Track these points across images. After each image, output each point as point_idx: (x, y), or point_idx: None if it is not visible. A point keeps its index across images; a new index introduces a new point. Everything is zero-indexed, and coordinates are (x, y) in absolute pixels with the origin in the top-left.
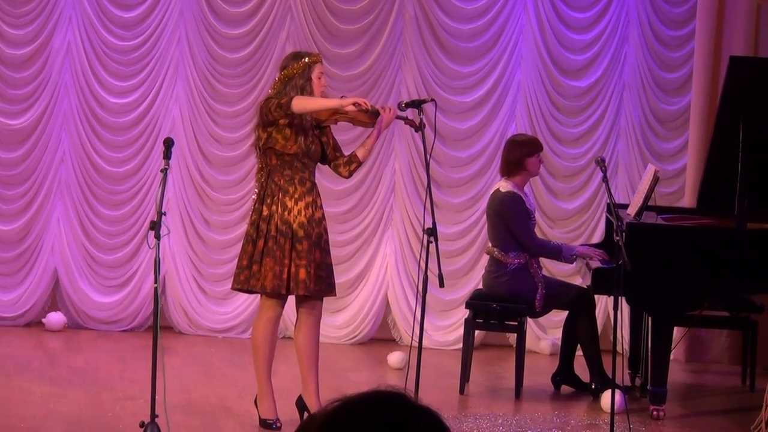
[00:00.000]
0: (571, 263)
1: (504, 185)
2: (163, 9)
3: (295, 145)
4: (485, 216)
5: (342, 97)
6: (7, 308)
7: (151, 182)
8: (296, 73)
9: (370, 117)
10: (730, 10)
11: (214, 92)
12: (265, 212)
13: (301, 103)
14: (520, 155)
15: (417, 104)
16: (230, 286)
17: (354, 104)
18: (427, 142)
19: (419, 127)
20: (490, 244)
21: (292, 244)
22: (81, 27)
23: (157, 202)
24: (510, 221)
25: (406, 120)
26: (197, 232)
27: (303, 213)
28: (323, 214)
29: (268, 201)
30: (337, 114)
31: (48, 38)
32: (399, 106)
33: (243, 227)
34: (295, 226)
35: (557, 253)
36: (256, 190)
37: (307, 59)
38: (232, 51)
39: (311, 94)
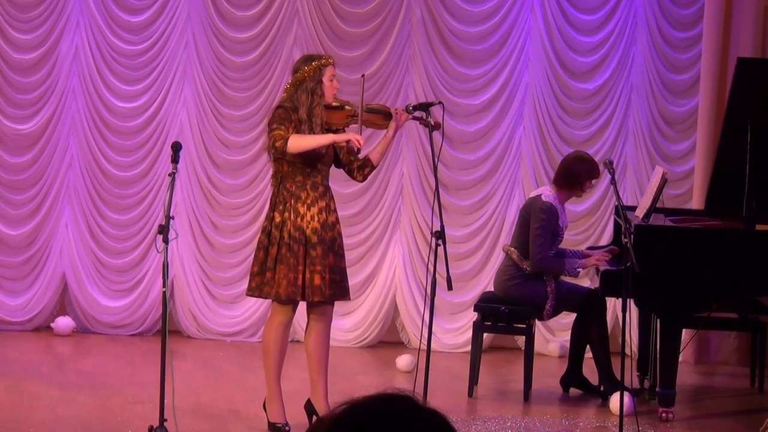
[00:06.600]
0: (575, 277)
1: (547, 194)
2: (171, 13)
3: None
4: (497, 217)
5: (336, 131)
6: (16, 313)
7: (159, 186)
8: (307, 77)
9: (381, 119)
10: (738, 11)
11: (221, 96)
12: (278, 219)
13: (296, 143)
14: (584, 173)
15: (425, 107)
16: (240, 290)
17: (347, 141)
18: (435, 144)
19: (434, 127)
20: (509, 243)
21: (306, 251)
22: (88, 31)
23: (166, 206)
24: (532, 224)
25: (420, 120)
26: (205, 236)
27: (316, 218)
28: (337, 218)
29: (281, 208)
30: (348, 118)
31: (55, 43)
32: (407, 109)
33: (251, 231)
34: (308, 232)
35: (559, 272)
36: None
37: (317, 62)
38: (239, 54)
39: (322, 96)
